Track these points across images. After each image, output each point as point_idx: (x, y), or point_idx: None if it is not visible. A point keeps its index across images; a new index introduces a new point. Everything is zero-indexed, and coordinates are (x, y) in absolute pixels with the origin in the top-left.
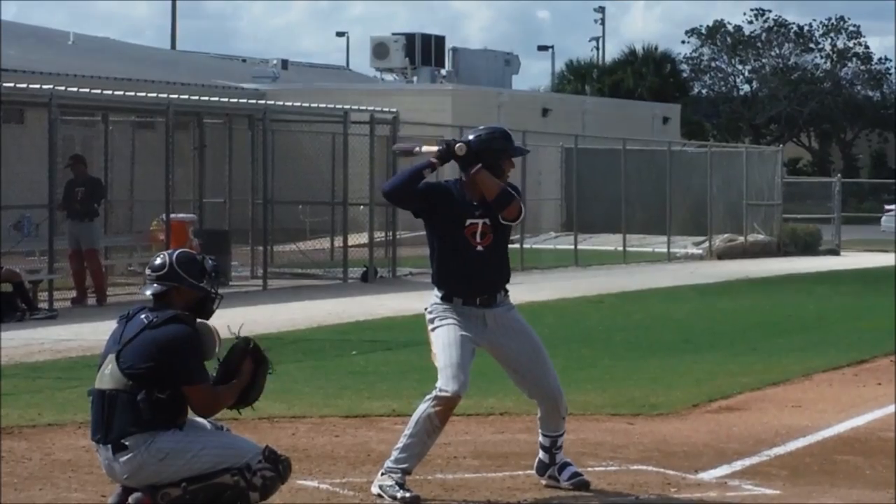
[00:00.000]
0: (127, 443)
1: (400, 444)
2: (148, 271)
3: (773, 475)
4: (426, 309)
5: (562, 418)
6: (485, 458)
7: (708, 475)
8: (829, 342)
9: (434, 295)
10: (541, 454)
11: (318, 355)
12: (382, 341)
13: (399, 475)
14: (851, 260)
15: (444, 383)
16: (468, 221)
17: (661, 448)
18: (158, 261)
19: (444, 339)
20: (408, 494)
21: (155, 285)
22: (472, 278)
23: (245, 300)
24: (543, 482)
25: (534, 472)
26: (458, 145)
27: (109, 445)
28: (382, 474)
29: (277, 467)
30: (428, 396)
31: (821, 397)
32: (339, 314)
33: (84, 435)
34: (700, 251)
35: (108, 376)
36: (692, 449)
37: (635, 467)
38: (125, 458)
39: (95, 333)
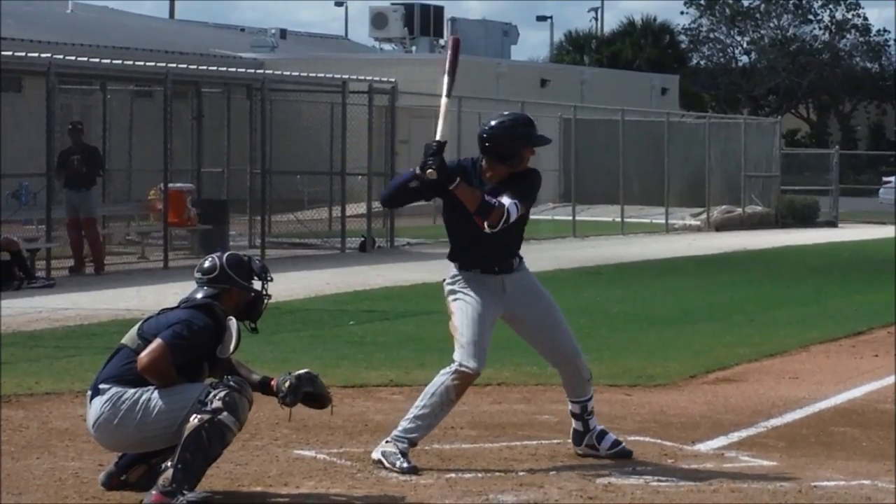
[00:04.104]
0: (102, 387)
1: (411, 414)
2: (197, 274)
3: (769, 446)
4: (445, 281)
5: (586, 381)
6: (482, 428)
7: (705, 446)
8: (826, 314)
9: (453, 266)
10: (574, 424)
11: (315, 325)
12: (380, 311)
13: (405, 445)
14: (849, 232)
15: (467, 359)
16: None
17: (659, 419)
18: (208, 263)
19: (468, 314)
20: (406, 465)
21: (206, 288)
22: (483, 254)
23: None
24: (579, 452)
25: (569, 441)
26: (428, 172)
27: (90, 391)
28: (388, 442)
29: (229, 383)
30: (447, 370)
31: (818, 369)
32: (336, 284)
33: (81, 404)
34: (698, 222)
35: (129, 334)
36: (689, 420)
37: (632, 438)
38: (96, 401)
39: (93, 302)
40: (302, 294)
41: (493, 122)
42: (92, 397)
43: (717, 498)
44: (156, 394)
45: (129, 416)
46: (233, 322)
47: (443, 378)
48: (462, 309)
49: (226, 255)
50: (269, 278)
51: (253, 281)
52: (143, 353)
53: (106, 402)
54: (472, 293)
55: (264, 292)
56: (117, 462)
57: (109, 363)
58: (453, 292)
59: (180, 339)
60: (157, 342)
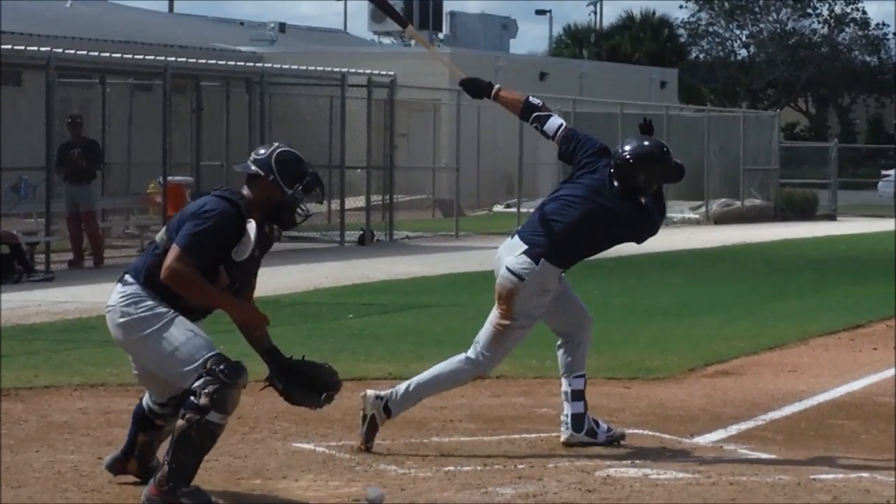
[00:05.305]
0: (127, 279)
1: (414, 384)
2: (252, 156)
3: (768, 440)
4: (532, 270)
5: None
6: (481, 421)
7: (703, 439)
8: (825, 307)
9: (537, 262)
10: (573, 407)
11: (314, 318)
12: (379, 304)
13: (382, 406)
14: (848, 225)
15: (492, 366)
16: None
17: (657, 412)
18: (263, 149)
19: (526, 327)
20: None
21: (248, 164)
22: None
23: None
24: (574, 440)
25: (569, 431)
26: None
27: (121, 274)
28: (378, 398)
29: (218, 377)
30: (468, 361)
31: (817, 362)
32: (335, 277)
33: (80, 397)
34: (697, 216)
35: (160, 231)
36: (688, 413)
37: (631, 431)
38: (119, 287)
39: (92, 295)
40: (301, 287)
41: (627, 148)
42: (119, 281)
43: (716, 491)
44: (165, 333)
45: (134, 326)
46: (251, 226)
47: (461, 373)
48: (526, 319)
49: (284, 149)
50: (315, 196)
51: (296, 187)
52: (164, 264)
53: (124, 297)
54: (545, 305)
55: (295, 200)
56: (123, 449)
57: (140, 258)
58: (533, 290)
59: (195, 237)
60: (173, 249)
